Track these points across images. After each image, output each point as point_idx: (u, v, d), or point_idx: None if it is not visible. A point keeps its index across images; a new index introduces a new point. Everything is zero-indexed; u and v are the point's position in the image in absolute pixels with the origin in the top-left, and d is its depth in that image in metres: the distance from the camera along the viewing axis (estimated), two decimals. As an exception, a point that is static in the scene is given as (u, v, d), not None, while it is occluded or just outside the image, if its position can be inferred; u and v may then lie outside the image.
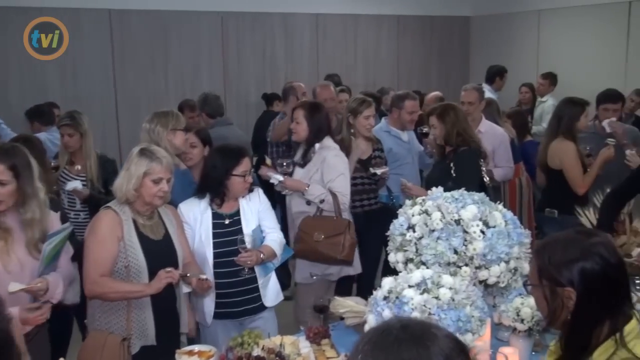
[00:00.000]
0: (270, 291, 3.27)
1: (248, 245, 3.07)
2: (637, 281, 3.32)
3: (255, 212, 3.22)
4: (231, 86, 7.57)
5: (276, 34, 7.85)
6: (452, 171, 3.77)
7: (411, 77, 8.95)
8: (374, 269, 4.27)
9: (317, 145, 3.79)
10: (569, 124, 4.21)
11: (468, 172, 3.76)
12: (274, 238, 3.24)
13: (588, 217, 3.75)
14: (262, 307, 3.23)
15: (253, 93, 7.63)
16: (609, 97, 4.71)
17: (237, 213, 3.19)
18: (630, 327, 1.62)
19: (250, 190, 3.23)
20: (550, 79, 7.33)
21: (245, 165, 3.13)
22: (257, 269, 3.18)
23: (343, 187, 3.74)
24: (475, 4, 9.28)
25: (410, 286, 2.26)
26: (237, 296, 3.15)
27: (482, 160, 3.91)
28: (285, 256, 3.41)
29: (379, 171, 4.09)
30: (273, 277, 3.30)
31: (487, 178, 3.90)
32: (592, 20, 7.76)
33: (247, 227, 3.16)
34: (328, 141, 3.84)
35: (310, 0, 7.97)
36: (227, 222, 3.15)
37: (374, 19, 8.61)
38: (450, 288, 2.23)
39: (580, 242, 1.65)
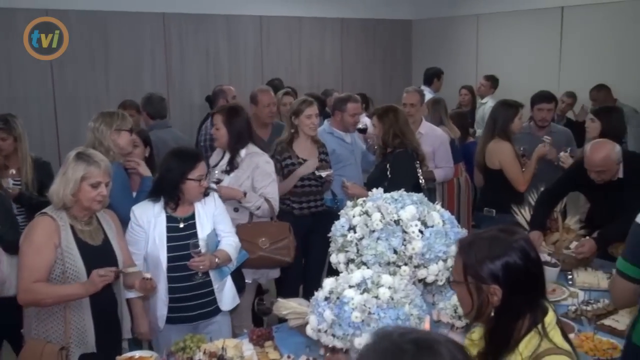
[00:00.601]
0: (226, 295, 3.24)
1: (202, 249, 3.05)
2: (570, 276, 3.47)
3: (210, 216, 3.19)
4: (174, 88, 7.48)
5: (220, 35, 7.79)
6: (388, 172, 3.85)
7: (355, 79, 9.04)
8: (319, 270, 4.31)
9: (243, 152, 3.78)
10: (504, 125, 4.34)
11: (403, 173, 3.84)
12: (230, 242, 3.22)
13: (524, 215, 3.89)
14: (218, 311, 3.21)
15: (197, 95, 7.55)
16: (543, 97, 4.89)
17: (192, 217, 3.15)
18: (549, 318, 1.72)
19: (206, 195, 3.21)
20: (492, 81, 7.56)
21: (201, 169, 3.10)
22: (212, 273, 3.16)
23: (275, 193, 3.81)
24: (417, 8, 9.45)
25: (350, 286, 2.30)
26: (191, 300, 3.12)
27: (418, 162, 3.99)
28: (241, 260, 3.39)
29: (323, 174, 4.12)
30: (229, 281, 3.28)
31: (423, 180, 3.99)
32: (528, 24, 8.02)
33: (202, 231, 3.13)
34: (254, 147, 3.86)
35: (254, 2, 7.95)
36: (181, 225, 3.12)
37: (318, 22, 8.66)
38: (390, 287, 2.28)
39: (504, 240, 1.72)
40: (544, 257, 3.55)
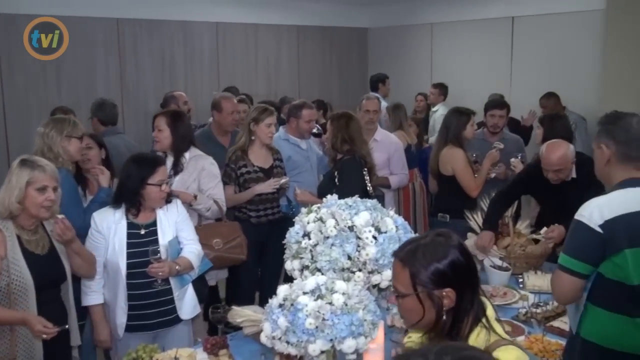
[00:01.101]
0: (187, 304, 3.20)
1: (163, 256, 3.01)
2: (520, 280, 3.55)
3: (172, 223, 3.14)
4: (129, 94, 7.36)
5: (175, 42, 7.71)
6: (336, 179, 3.87)
7: (312, 87, 9.08)
8: (276, 277, 4.30)
9: (187, 154, 3.78)
10: (457, 132, 4.43)
11: (350, 180, 3.86)
12: (192, 250, 3.17)
13: (476, 220, 3.97)
14: (178, 320, 3.16)
15: (152, 101, 7.43)
16: (495, 104, 5.02)
17: (154, 223, 3.11)
18: (490, 312, 1.77)
19: (169, 201, 3.17)
20: (440, 88, 7.69)
21: (161, 174, 3.06)
22: (172, 281, 3.11)
23: (221, 194, 3.85)
24: (373, 16, 9.56)
25: (304, 293, 2.30)
26: (151, 308, 3.07)
27: (366, 169, 4.02)
28: (204, 268, 3.36)
29: (279, 182, 4.13)
30: (190, 290, 3.23)
31: (371, 187, 4.02)
32: (480, 33, 8.21)
33: (164, 237, 3.09)
34: (197, 150, 3.87)
35: (210, 8, 7.91)
36: (142, 232, 3.07)
37: (275, 29, 8.67)
38: (344, 293, 2.28)
39: (444, 242, 1.74)
40: (496, 261, 3.63)
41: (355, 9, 9.42)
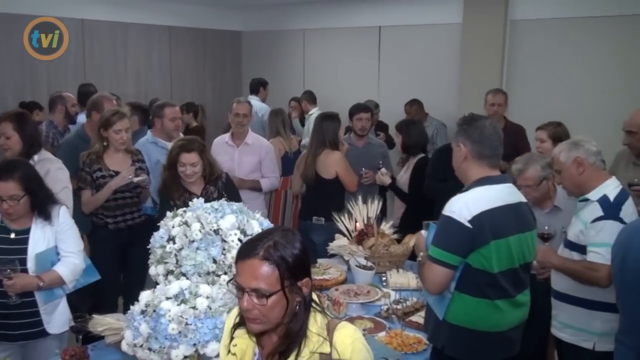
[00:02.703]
0: (57, 318, 3.02)
1: (30, 269, 2.84)
2: (384, 278, 3.72)
3: (50, 233, 2.95)
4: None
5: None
6: (226, 199, 3.84)
7: (185, 88, 8.95)
8: (140, 283, 4.17)
9: (36, 157, 3.62)
10: (334, 136, 4.55)
11: (236, 195, 3.81)
12: (68, 263, 2.99)
13: (344, 222, 4.10)
14: (45, 333, 2.98)
15: (10, 101, 6.97)
16: (361, 107, 5.21)
17: (27, 231, 2.91)
18: (314, 296, 1.80)
19: (41, 211, 2.95)
20: (308, 94, 7.84)
21: None
22: (37, 295, 2.92)
23: (69, 200, 3.64)
24: (246, 20, 9.59)
25: (168, 298, 2.28)
26: (12, 318, 2.88)
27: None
28: (88, 280, 3.18)
29: (135, 179, 3.99)
30: (63, 304, 3.06)
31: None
32: (349, 41, 8.49)
33: (35, 247, 2.89)
34: (47, 153, 3.72)
35: (75, 5, 7.54)
36: (12, 236, 2.88)
37: (145, 29, 8.45)
38: (208, 297, 2.29)
39: (293, 235, 1.74)
40: (361, 261, 3.77)
41: (228, 12, 9.40)
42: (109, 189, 3.91)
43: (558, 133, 4.07)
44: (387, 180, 4.75)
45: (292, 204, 5.68)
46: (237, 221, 2.67)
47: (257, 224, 2.72)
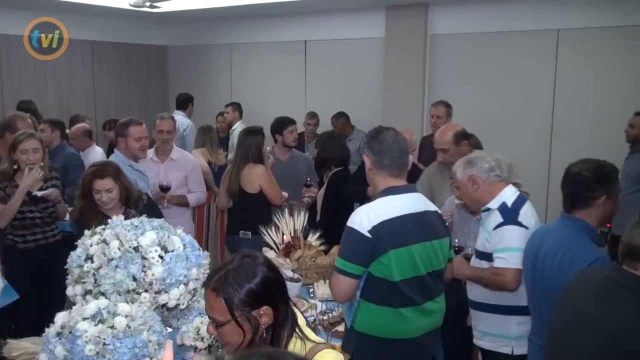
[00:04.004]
0: None
1: None
2: (311, 290, 3.75)
3: None
4: None
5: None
6: None
7: (109, 104, 8.76)
8: (59, 305, 4.03)
9: None
10: (258, 150, 4.56)
11: (158, 216, 3.74)
12: None
13: (271, 235, 4.10)
14: None
15: None
16: (291, 120, 5.24)
17: None
18: (301, 321, 1.87)
19: None
20: (235, 106, 7.83)
21: None
22: None
23: None
24: (172, 35, 9.49)
25: (84, 318, 2.22)
26: None
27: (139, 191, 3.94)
28: (6, 300, 3.05)
29: (39, 193, 3.85)
30: None
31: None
32: (276, 55, 8.53)
33: None
34: None
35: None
36: None
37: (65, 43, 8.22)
38: (127, 316, 2.24)
39: (252, 263, 1.78)
40: (288, 273, 3.79)
41: (154, 26, 9.28)
42: (21, 192, 3.77)
43: (472, 144, 4.23)
44: (314, 194, 4.81)
45: (217, 217, 5.64)
46: (158, 237, 2.63)
47: (179, 240, 2.69)
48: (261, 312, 1.73)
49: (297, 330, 1.81)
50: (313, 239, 4.16)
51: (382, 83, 7.41)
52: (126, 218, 3.52)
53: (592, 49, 6.18)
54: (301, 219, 4.11)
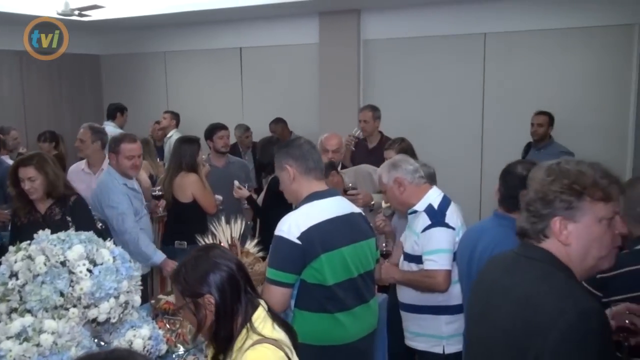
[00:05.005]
0: None
1: None
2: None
3: None
4: None
5: None
6: (70, 222, 3.66)
7: (40, 116, 8.52)
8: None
9: None
10: (192, 159, 4.52)
11: (85, 220, 3.66)
12: None
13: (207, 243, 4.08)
14: None
15: None
16: (220, 126, 5.26)
17: None
18: (257, 314, 1.97)
19: None
20: (172, 114, 7.74)
21: None
22: None
23: None
24: (104, 44, 9.31)
25: (9, 337, 2.16)
26: None
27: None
28: None
29: None
30: None
31: (100, 223, 3.90)
32: (212, 62, 8.50)
33: None
34: None
35: None
36: None
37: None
38: (53, 332, 2.20)
39: (204, 255, 2.01)
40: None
41: (84, 35, 9.06)
42: None
43: (404, 148, 4.31)
44: (245, 193, 4.78)
45: (156, 228, 5.55)
46: (86, 251, 2.58)
47: (108, 252, 2.64)
48: (205, 300, 1.93)
49: (248, 324, 1.94)
50: (251, 245, 4.15)
51: (317, 88, 7.47)
52: (49, 215, 3.55)
53: (518, 51, 6.41)
54: (238, 227, 4.10)
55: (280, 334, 1.97)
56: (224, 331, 1.94)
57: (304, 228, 2.55)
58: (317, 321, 2.63)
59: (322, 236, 2.57)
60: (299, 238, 2.54)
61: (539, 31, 6.25)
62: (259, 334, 1.91)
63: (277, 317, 2.06)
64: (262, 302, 2.03)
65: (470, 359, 1.83)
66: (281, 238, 2.57)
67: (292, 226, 2.56)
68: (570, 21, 6.09)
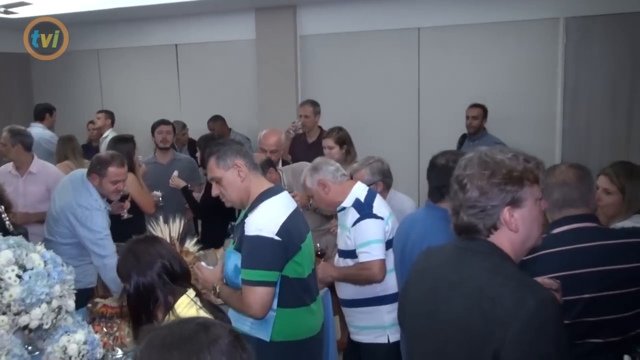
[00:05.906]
0: None
1: None
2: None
3: None
4: None
5: None
6: None
7: (-35, 118, 8.14)
8: None
9: None
10: (129, 158, 4.43)
11: None
12: None
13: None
14: None
15: None
16: (161, 121, 5.20)
17: None
18: (180, 301, 2.15)
19: None
20: (107, 114, 7.55)
21: None
22: None
23: None
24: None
25: None
26: None
27: (2, 207, 3.73)
28: None
29: None
30: None
31: (10, 225, 3.78)
32: (147, 59, 8.34)
33: None
34: None
35: None
36: None
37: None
38: (-20, 342, 2.12)
39: (127, 246, 2.34)
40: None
41: (11, 34, 8.71)
42: None
43: (342, 137, 4.36)
44: (181, 183, 4.73)
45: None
46: (15, 256, 2.49)
47: (39, 256, 2.57)
48: (126, 286, 2.19)
49: (170, 311, 2.11)
50: (190, 244, 4.11)
51: (255, 84, 7.44)
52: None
53: (451, 45, 6.55)
54: (177, 226, 4.05)
55: (206, 315, 2.05)
56: (145, 318, 2.14)
57: (279, 223, 2.51)
58: (298, 315, 2.64)
59: (295, 228, 2.59)
60: (277, 234, 2.49)
61: (471, 25, 6.41)
62: (177, 316, 2.05)
63: (207, 303, 2.19)
64: (189, 290, 2.19)
65: (417, 355, 1.81)
66: (259, 237, 2.49)
67: (267, 224, 2.51)
68: (500, 15, 6.26)
